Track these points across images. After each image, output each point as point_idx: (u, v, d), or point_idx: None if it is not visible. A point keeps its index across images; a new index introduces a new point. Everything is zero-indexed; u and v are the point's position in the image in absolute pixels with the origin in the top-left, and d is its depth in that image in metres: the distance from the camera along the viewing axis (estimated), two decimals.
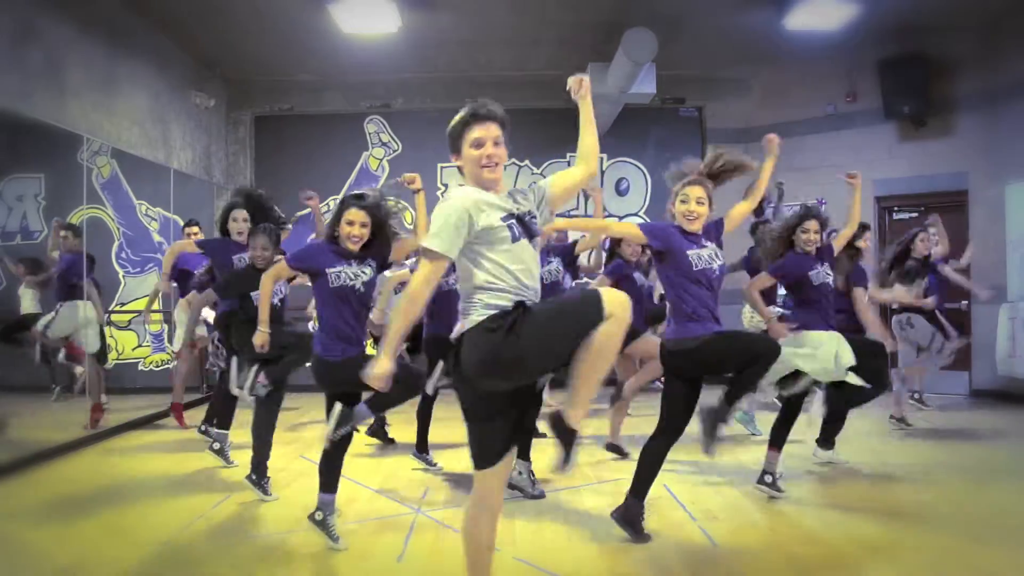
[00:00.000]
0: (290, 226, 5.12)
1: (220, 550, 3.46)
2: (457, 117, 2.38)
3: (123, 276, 8.37)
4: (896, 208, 8.45)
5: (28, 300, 6.22)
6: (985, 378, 7.46)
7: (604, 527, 3.61)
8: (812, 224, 4.19)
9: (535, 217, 2.40)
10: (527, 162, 9.27)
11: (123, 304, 8.43)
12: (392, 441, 5.75)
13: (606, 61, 7.59)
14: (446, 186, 9.01)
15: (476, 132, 2.32)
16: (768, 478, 4.13)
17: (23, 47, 5.52)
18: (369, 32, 7.31)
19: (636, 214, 9.17)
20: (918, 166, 8.10)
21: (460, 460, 5.09)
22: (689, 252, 3.45)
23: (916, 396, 6.83)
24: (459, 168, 2.42)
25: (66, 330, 6.20)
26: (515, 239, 2.28)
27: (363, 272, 3.53)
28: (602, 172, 9.28)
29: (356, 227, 3.49)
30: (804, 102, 8.81)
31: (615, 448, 5.14)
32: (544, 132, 8.59)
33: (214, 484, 4.60)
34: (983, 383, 7.51)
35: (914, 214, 8.39)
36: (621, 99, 7.96)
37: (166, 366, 7.84)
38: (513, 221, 2.29)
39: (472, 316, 2.26)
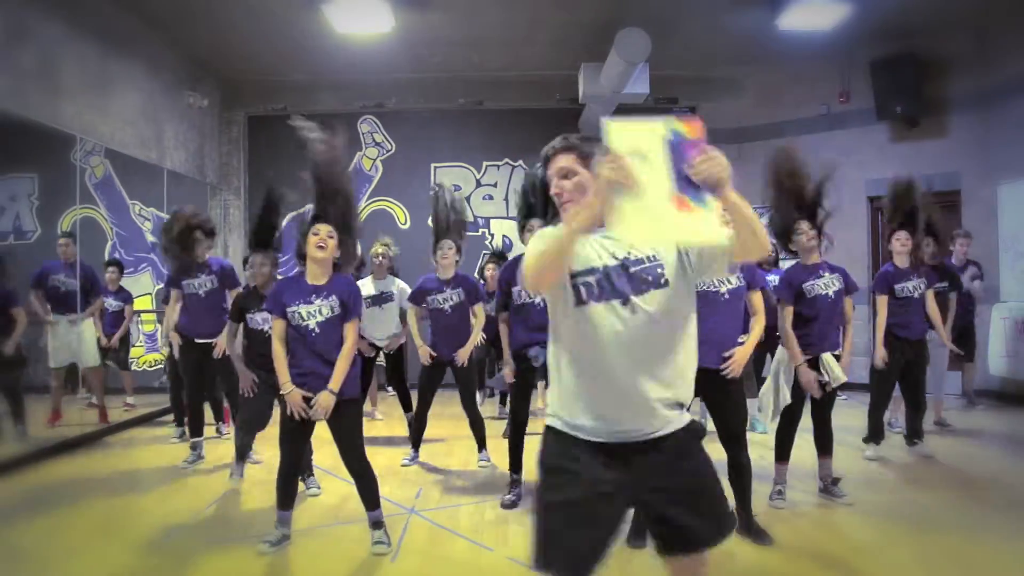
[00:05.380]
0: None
1: (214, 549, 3.46)
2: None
3: None
4: None
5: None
6: (978, 377, 7.47)
7: None
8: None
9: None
10: (520, 162, 9.27)
11: None
12: None
13: (599, 61, 7.60)
14: (439, 186, 9.00)
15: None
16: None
17: (16, 47, 5.50)
18: (362, 32, 7.31)
19: None
20: (911, 166, 8.00)
21: (451, 457, 5.09)
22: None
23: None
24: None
25: (66, 357, 6.11)
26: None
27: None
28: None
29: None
30: (797, 102, 8.84)
31: None
32: (537, 132, 8.54)
33: (209, 483, 4.60)
34: (976, 382, 7.52)
35: None
36: (614, 99, 7.96)
37: (159, 366, 7.81)
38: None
39: None
